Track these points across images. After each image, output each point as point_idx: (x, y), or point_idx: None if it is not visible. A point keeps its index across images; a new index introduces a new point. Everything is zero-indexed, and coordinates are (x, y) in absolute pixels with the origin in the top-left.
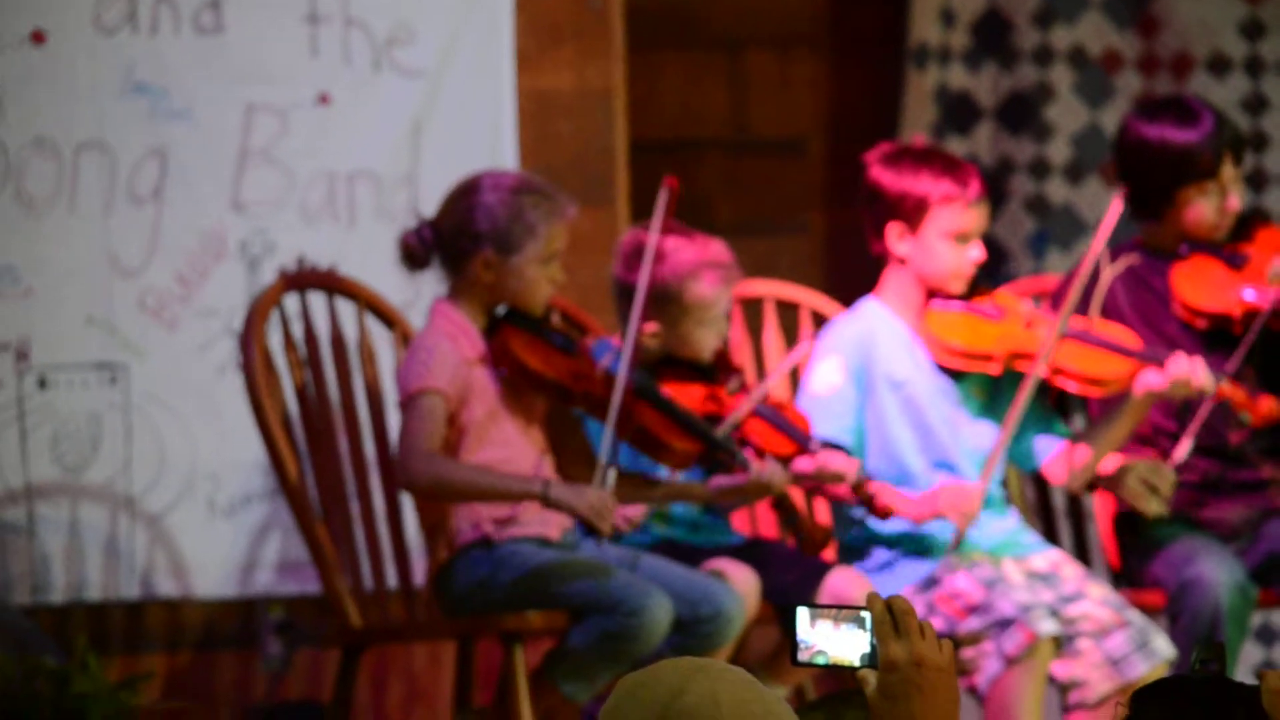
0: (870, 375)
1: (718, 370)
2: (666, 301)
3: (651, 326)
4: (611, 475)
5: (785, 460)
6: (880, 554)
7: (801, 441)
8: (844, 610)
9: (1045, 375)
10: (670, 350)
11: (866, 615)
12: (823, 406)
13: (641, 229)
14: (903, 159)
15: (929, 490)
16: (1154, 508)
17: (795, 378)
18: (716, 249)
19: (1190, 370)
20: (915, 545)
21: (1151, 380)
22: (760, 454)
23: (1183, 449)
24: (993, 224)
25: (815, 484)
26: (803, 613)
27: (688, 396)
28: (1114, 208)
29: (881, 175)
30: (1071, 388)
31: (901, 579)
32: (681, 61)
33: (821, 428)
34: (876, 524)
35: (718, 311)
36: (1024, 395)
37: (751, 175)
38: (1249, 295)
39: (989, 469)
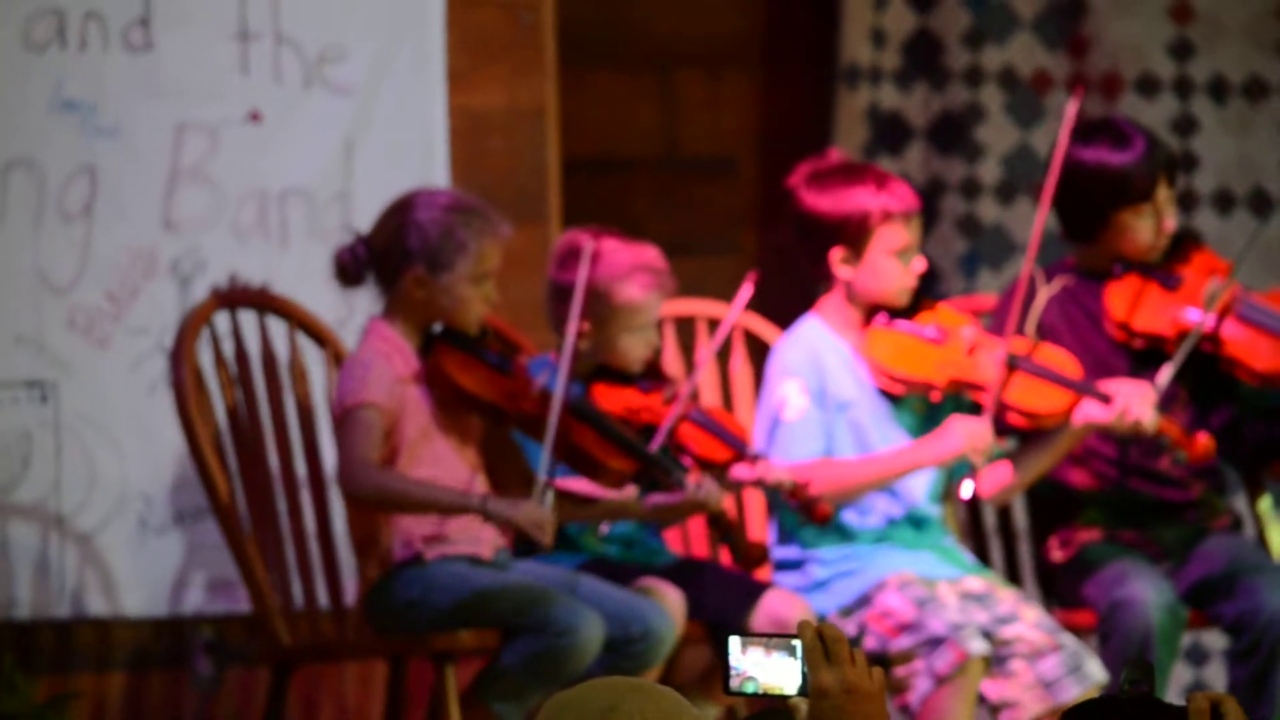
0: (823, 395)
1: (650, 380)
2: (596, 302)
3: (584, 326)
4: (549, 491)
5: (723, 467)
6: (814, 571)
7: (738, 448)
8: (775, 639)
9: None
10: (599, 356)
11: (798, 643)
12: (794, 432)
13: (576, 231)
14: (831, 180)
15: (940, 429)
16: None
17: (728, 397)
18: (650, 255)
19: (1132, 405)
20: (908, 528)
21: (1093, 413)
22: (698, 462)
23: (1163, 376)
24: (924, 244)
25: (754, 489)
26: (734, 641)
27: (621, 405)
28: (1038, 226)
29: (816, 202)
30: (1016, 421)
31: (835, 597)
32: (613, 80)
33: (797, 453)
34: (810, 547)
35: (647, 318)
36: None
37: (683, 194)
38: (1192, 316)
39: (990, 408)
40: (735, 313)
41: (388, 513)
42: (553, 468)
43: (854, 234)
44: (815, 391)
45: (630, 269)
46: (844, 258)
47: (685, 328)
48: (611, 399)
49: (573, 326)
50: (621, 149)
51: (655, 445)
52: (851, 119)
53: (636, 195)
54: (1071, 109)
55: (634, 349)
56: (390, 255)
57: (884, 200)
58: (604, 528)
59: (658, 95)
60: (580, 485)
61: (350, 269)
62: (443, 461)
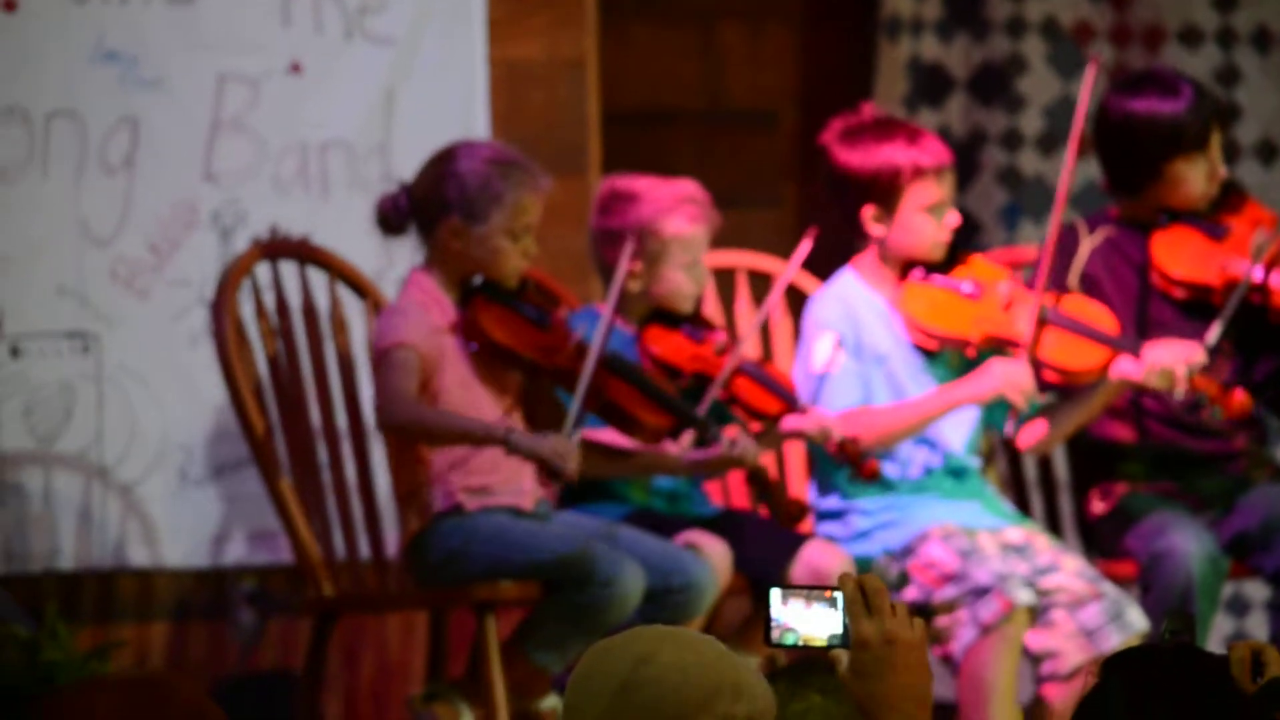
0: (859, 348)
1: (698, 327)
2: (646, 239)
3: (635, 266)
4: (577, 428)
5: (774, 418)
6: (856, 521)
7: (788, 400)
8: (816, 590)
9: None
10: (650, 297)
11: (838, 595)
12: (832, 384)
13: (616, 177)
14: (863, 137)
15: (979, 369)
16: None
17: (767, 348)
18: (691, 187)
19: (1167, 361)
20: (947, 477)
21: (1127, 368)
22: (750, 413)
23: (1213, 333)
24: (964, 196)
25: (799, 442)
26: (775, 593)
27: (675, 352)
28: (1065, 174)
29: (847, 158)
30: (1050, 378)
31: (877, 547)
32: (654, 32)
33: (834, 405)
34: (852, 497)
35: (697, 252)
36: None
37: (724, 147)
38: (1240, 267)
39: (1033, 339)
40: (795, 266)
41: (419, 443)
42: (582, 417)
43: (885, 191)
44: (851, 345)
45: (676, 202)
46: (876, 215)
47: (724, 281)
48: (665, 343)
49: (612, 298)
50: (663, 101)
51: (710, 396)
52: (892, 71)
53: (677, 148)
54: (1089, 74)
55: (685, 285)
56: (429, 205)
57: (915, 156)
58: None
59: (699, 47)
60: (613, 438)
61: (392, 218)
62: (481, 411)
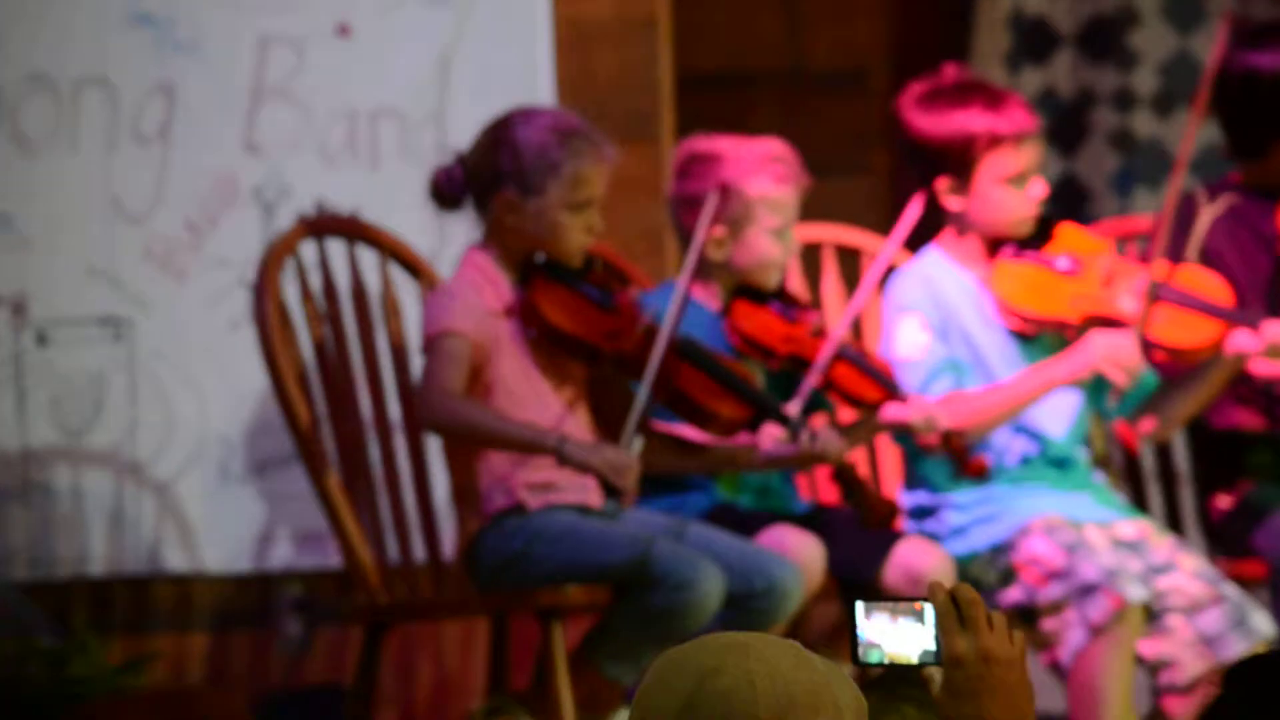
0: (948, 331)
1: (787, 304)
2: (730, 202)
3: (718, 231)
4: (638, 436)
5: (873, 406)
6: (950, 517)
7: (889, 387)
8: (902, 603)
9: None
10: (736, 267)
11: (928, 607)
12: (916, 369)
13: (694, 138)
14: (937, 101)
15: (1076, 343)
16: None
17: (856, 330)
18: (778, 146)
19: None
20: (1049, 467)
21: (1244, 343)
22: (851, 401)
23: None
24: (1073, 161)
25: (904, 432)
26: (859, 606)
27: (768, 331)
28: (1188, 137)
29: (920, 125)
30: (1159, 358)
31: (975, 544)
32: None
33: (920, 394)
34: (949, 494)
35: (786, 215)
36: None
37: (808, 111)
38: None
39: (1147, 314)
40: (899, 239)
41: (461, 444)
42: (649, 409)
43: (958, 162)
44: (937, 327)
45: (761, 161)
46: (951, 187)
47: (809, 257)
48: (755, 321)
49: (683, 282)
50: (741, 62)
51: (811, 384)
52: (992, 26)
53: (758, 112)
54: (1221, 33)
55: (773, 252)
56: (483, 176)
57: (991, 122)
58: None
59: (781, 4)
60: (686, 432)
61: (446, 192)
62: (544, 404)
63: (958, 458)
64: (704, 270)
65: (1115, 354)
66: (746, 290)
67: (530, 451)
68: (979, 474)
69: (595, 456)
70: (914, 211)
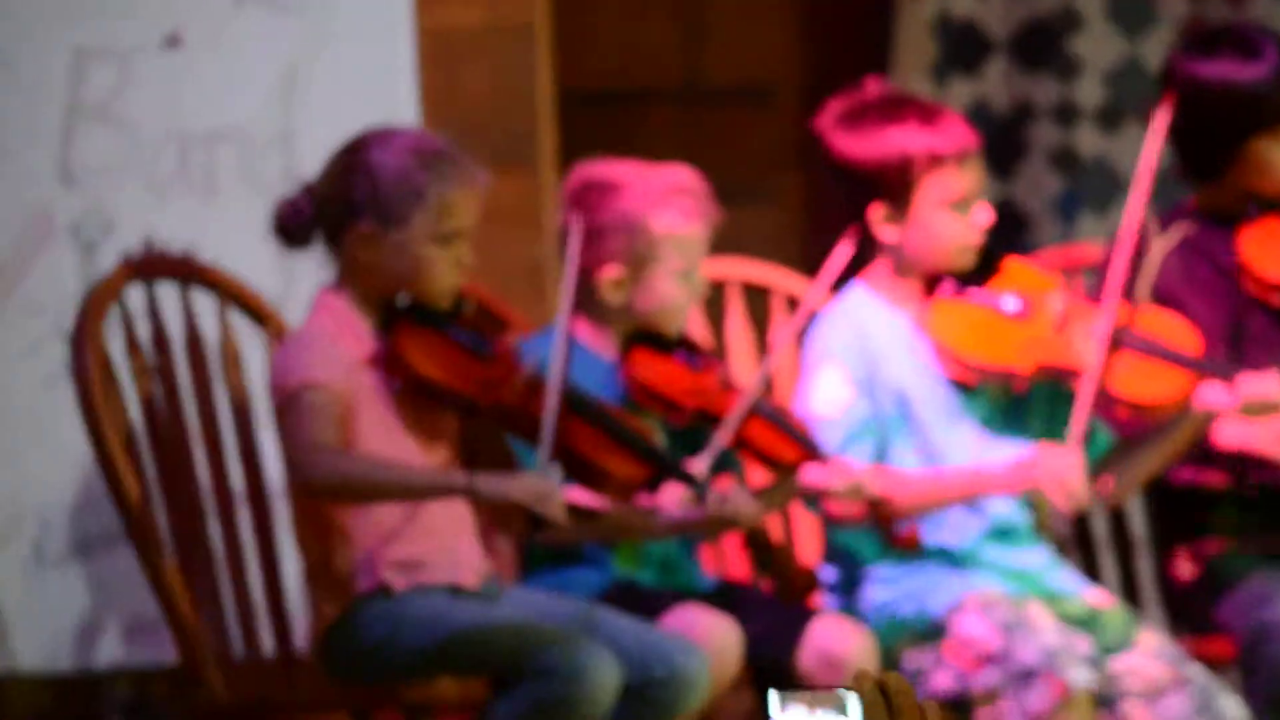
0: (875, 384)
1: (692, 353)
2: (632, 239)
3: (613, 270)
4: (555, 465)
5: (791, 468)
6: (874, 592)
7: (809, 447)
8: (822, 692)
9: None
10: (634, 308)
11: (851, 697)
12: (834, 429)
13: (589, 163)
14: (865, 119)
15: (1018, 457)
16: None
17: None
18: (685, 175)
19: (1267, 389)
20: (992, 542)
21: (1215, 398)
22: (763, 461)
23: None
24: (1010, 184)
25: (825, 498)
26: (773, 696)
27: (672, 383)
28: (1152, 144)
29: (847, 146)
30: (1121, 414)
31: (902, 623)
32: None
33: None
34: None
35: (694, 253)
36: (1078, 424)
37: (710, 131)
38: None
39: (1076, 433)
40: (828, 279)
41: (352, 504)
42: (555, 441)
43: (895, 185)
44: (862, 380)
45: (668, 192)
46: (886, 215)
47: (711, 296)
48: (658, 371)
49: (565, 303)
50: (631, 77)
51: (720, 442)
52: (916, 32)
53: (651, 133)
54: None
55: (678, 297)
56: (334, 208)
57: (930, 140)
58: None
59: (675, 10)
60: (578, 496)
61: (292, 227)
62: (412, 463)
63: (885, 528)
64: (598, 314)
65: (1061, 477)
66: (646, 336)
67: (438, 495)
68: (910, 546)
69: (515, 485)
70: (845, 249)
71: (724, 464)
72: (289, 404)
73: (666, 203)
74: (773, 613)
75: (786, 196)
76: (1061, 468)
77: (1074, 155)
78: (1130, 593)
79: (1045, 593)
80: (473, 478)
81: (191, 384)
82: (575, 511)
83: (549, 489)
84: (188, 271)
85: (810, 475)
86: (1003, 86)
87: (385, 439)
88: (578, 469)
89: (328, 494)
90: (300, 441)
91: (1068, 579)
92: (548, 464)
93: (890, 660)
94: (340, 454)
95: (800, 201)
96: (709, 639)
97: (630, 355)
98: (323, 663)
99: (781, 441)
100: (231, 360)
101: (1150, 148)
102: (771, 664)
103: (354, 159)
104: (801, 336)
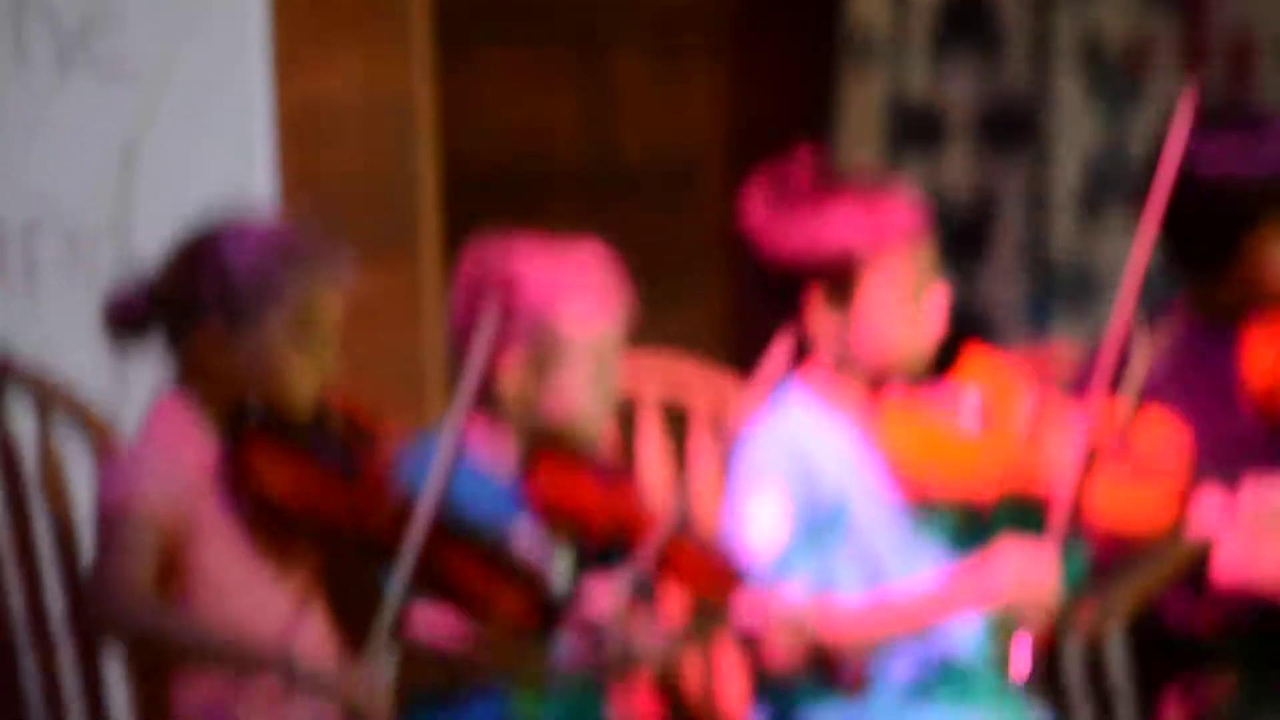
0: (813, 506)
1: (604, 467)
2: (536, 336)
3: (517, 377)
4: (388, 649)
5: (718, 601)
6: None
7: (740, 577)
8: None
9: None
10: (543, 423)
11: None
12: (769, 555)
13: (484, 246)
14: (796, 204)
15: (974, 562)
16: None
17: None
18: (595, 259)
19: (1271, 508)
20: (948, 683)
21: (1210, 520)
22: (687, 591)
23: None
24: (972, 283)
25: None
26: None
27: (581, 501)
28: (1142, 245)
29: (776, 237)
30: (1101, 540)
31: None
32: (515, 58)
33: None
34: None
35: (608, 353)
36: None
37: (620, 219)
38: None
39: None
40: (762, 392)
41: (155, 661)
42: (399, 609)
43: (837, 277)
44: (800, 501)
45: (576, 283)
46: (827, 302)
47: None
48: (566, 488)
49: (456, 414)
50: (531, 154)
51: (637, 570)
52: (864, 107)
53: (552, 220)
54: (1186, 103)
55: (591, 404)
56: (177, 306)
57: (874, 224)
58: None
59: (579, 76)
60: (445, 628)
61: (123, 323)
62: (260, 599)
63: (828, 669)
64: (498, 415)
65: (1029, 584)
66: (549, 445)
67: (248, 673)
68: (856, 688)
69: (334, 682)
70: (779, 356)
71: (640, 593)
72: (107, 525)
73: (575, 295)
74: None
75: (711, 293)
76: (1027, 572)
77: (1046, 251)
78: None
79: None
80: (291, 662)
81: (4, 500)
82: (448, 652)
83: (369, 692)
84: (4, 372)
85: (746, 611)
86: (964, 170)
87: (232, 569)
88: (459, 602)
89: (123, 642)
90: (107, 575)
91: None
92: (382, 650)
93: None
94: (147, 600)
95: (727, 298)
96: None
97: (534, 468)
98: None
99: (709, 569)
100: (53, 475)
101: (1143, 238)
102: None
103: (200, 249)
104: (726, 451)
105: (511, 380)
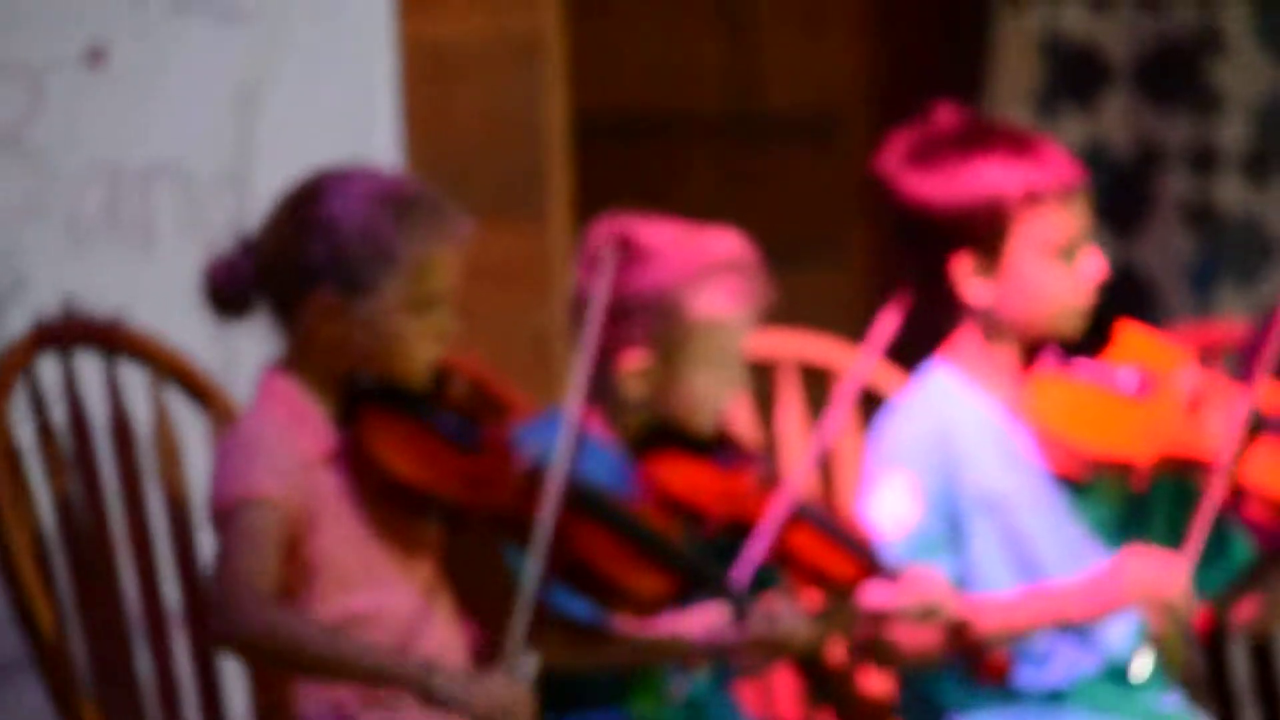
0: (956, 495)
1: (728, 452)
2: (661, 320)
3: (637, 358)
4: (530, 658)
5: (847, 587)
6: None
7: (869, 559)
8: None
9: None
10: (660, 408)
11: None
12: (897, 548)
13: (615, 218)
14: (942, 154)
15: (1105, 567)
16: None
17: (827, 480)
18: (733, 243)
19: None
20: (1053, 703)
21: None
22: (811, 577)
23: None
24: (1131, 243)
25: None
26: None
27: (698, 488)
28: None
29: (920, 188)
30: (1261, 516)
31: None
32: (655, 2)
33: None
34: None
35: (734, 343)
36: (1201, 527)
37: (760, 170)
38: None
39: (1192, 545)
40: (872, 356)
41: (283, 672)
42: (537, 607)
43: (984, 232)
44: (939, 492)
45: (708, 267)
46: (975, 268)
47: (760, 375)
48: (681, 475)
49: (579, 382)
50: (668, 103)
51: (756, 552)
52: (1018, 53)
53: (687, 173)
54: None
55: (714, 391)
56: (284, 272)
57: (1025, 173)
58: (679, 687)
59: (721, 19)
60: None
61: (228, 292)
62: (384, 585)
63: (971, 656)
64: (612, 405)
65: (1153, 589)
66: (668, 433)
67: (385, 686)
68: (998, 677)
69: (476, 696)
70: (893, 317)
71: (764, 581)
72: (225, 522)
73: (709, 280)
74: None
75: (852, 253)
76: (1155, 576)
77: (1212, 209)
78: None
79: None
80: (431, 675)
81: (118, 479)
82: (587, 635)
83: (513, 702)
84: (115, 340)
85: (873, 595)
86: (1123, 122)
87: (353, 556)
88: (591, 585)
89: (249, 655)
90: (230, 581)
91: None
92: (521, 653)
93: None
94: (277, 609)
95: (869, 259)
96: None
97: (649, 455)
98: None
99: (835, 553)
100: (167, 450)
101: None
102: None
103: (307, 211)
104: (868, 428)
105: (634, 370)
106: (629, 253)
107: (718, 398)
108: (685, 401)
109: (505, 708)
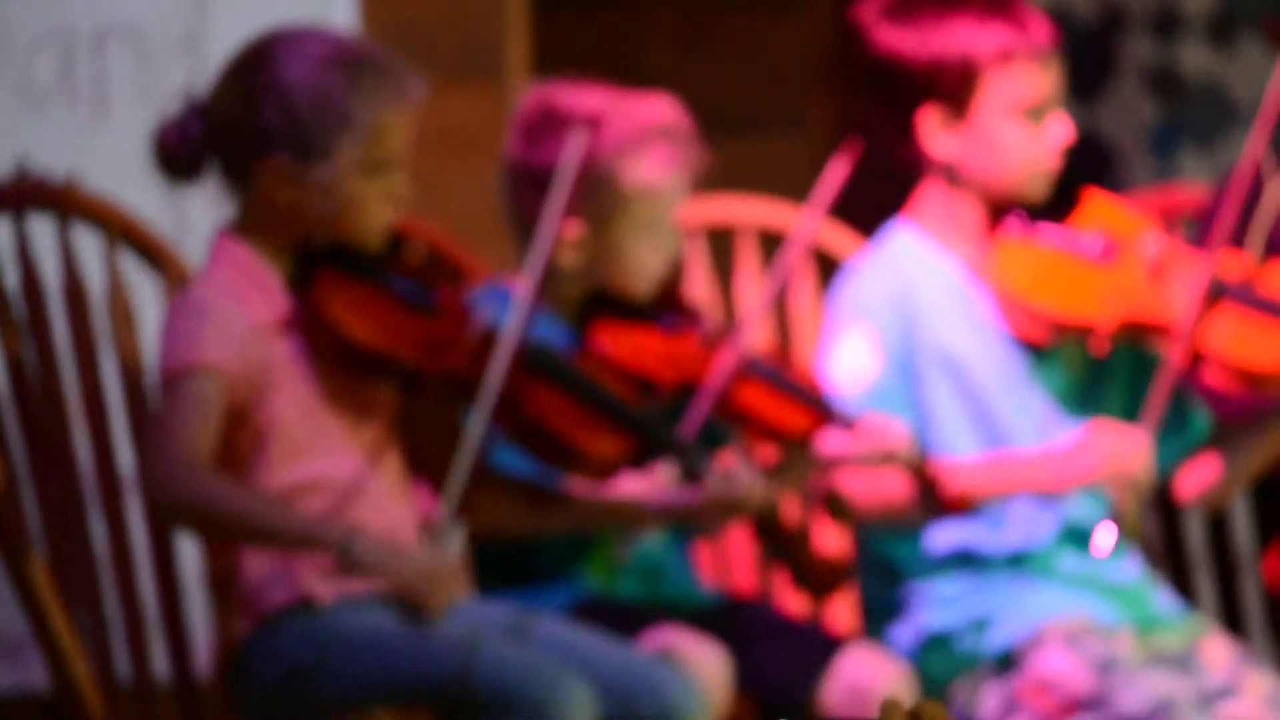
0: (914, 351)
1: (673, 314)
2: (593, 191)
3: (573, 229)
4: (457, 524)
5: (800, 439)
6: (926, 616)
7: (821, 410)
8: None
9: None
10: (597, 277)
11: None
12: (855, 404)
13: (548, 85)
14: (919, 9)
15: (1070, 440)
16: None
17: (784, 336)
18: (665, 109)
19: None
20: (1018, 567)
21: None
22: (765, 432)
23: None
24: (1094, 108)
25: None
26: None
27: (643, 354)
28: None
29: (894, 39)
30: (1220, 382)
31: (963, 657)
32: None
33: None
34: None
35: (667, 212)
36: (1160, 394)
37: (720, 37)
38: None
39: (1152, 412)
40: (821, 204)
41: (209, 538)
42: (485, 452)
43: (953, 84)
44: (898, 347)
45: (642, 134)
46: (940, 121)
47: (719, 241)
48: (626, 342)
49: (541, 249)
50: None
51: (701, 410)
52: None
53: (650, 39)
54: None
55: (648, 259)
56: (236, 135)
57: (1000, 31)
58: (624, 549)
59: None
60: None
61: (178, 156)
62: (334, 452)
63: (930, 488)
64: (548, 277)
65: (1121, 464)
66: (607, 302)
67: (302, 550)
68: (961, 507)
69: (395, 565)
70: (842, 166)
71: (715, 438)
72: (168, 386)
73: (641, 148)
74: (791, 639)
75: (812, 120)
76: (1119, 451)
77: (1175, 75)
78: (1233, 622)
79: (1144, 618)
80: (351, 540)
81: (71, 344)
82: (540, 497)
83: (437, 573)
84: (68, 203)
85: (829, 442)
86: None
87: (305, 421)
88: (545, 446)
89: (178, 520)
90: (165, 446)
91: (1166, 601)
92: (451, 521)
93: (947, 703)
94: (207, 475)
95: (828, 126)
96: (689, 666)
97: (591, 324)
98: (230, 691)
99: (787, 406)
100: (121, 314)
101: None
102: (787, 702)
103: (258, 75)
104: (828, 290)
105: (570, 240)
106: (553, 122)
107: (653, 264)
108: (621, 269)
109: (427, 578)
